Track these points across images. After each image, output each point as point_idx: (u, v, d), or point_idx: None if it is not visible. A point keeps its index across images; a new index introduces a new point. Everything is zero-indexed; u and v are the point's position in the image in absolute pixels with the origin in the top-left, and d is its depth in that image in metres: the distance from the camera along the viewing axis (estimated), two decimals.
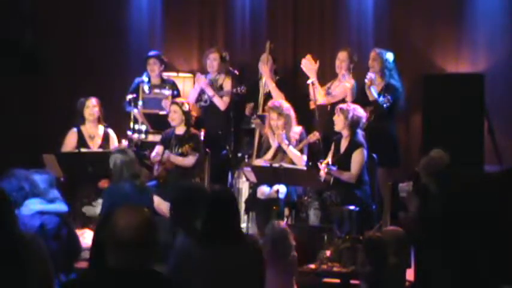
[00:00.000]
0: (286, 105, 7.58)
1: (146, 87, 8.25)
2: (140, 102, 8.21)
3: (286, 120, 7.50)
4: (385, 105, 7.62)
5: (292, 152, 7.43)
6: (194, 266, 4.20)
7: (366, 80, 7.64)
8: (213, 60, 8.41)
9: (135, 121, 8.19)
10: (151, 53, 8.53)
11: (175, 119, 7.83)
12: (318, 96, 7.83)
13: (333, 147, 7.49)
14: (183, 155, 7.68)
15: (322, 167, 7.16)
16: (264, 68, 8.20)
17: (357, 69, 8.01)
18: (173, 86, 8.39)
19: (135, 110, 8.18)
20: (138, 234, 2.93)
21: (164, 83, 8.40)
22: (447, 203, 5.60)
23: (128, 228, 2.92)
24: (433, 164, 5.87)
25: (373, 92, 7.68)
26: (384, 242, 5.27)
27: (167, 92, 8.22)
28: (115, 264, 2.94)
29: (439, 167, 5.86)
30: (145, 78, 8.38)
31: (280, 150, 7.54)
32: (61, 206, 5.97)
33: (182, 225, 4.67)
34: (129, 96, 8.18)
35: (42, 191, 5.94)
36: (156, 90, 8.26)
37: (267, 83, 8.18)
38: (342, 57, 7.98)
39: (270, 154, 7.56)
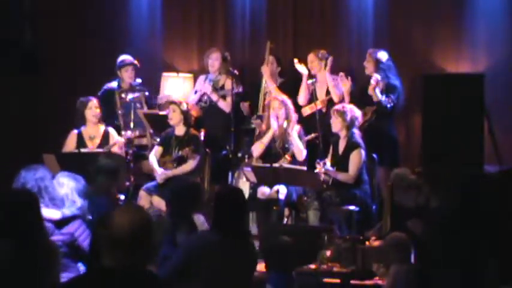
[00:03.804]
0: (286, 98, 7.65)
1: (124, 95, 8.14)
2: (120, 112, 8.13)
3: (286, 110, 7.52)
4: (388, 106, 7.62)
5: (296, 139, 7.44)
6: (212, 257, 4.34)
7: (372, 82, 7.63)
8: (214, 60, 8.41)
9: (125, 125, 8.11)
10: (129, 59, 8.41)
11: (174, 118, 7.80)
12: (319, 96, 7.88)
13: (331, 149, 7.50)
14: (183, 157, 7.67)
15: (319, 167, 7.18)
16: (265, 68, 8.20)
17: (357, 69, 8.01)
18: (143, 88, 8.30)
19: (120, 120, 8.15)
20: (132, 233, 2.88)
21: (133, 86, 8.30)
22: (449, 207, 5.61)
23: (122, 228, 2.88)
24: (404, 179, 5.97)
25: (378, 94, 7.66)
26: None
27: (139, 93, 8.15)
28: (110, 264, 2.90)
29: (409, 181, 5.97)
30: (114, 84, 8.35)
31: (281, 136, 7.54)
32: (54, 213, 5.96)
33: (180, 219, 4.80)
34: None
35: (53, 196, 5.93)
36: (129, 95, 8.14)
37: (268, 83, 8.18)
38: (309, 59, 8.04)
39: (267, 138, 7.56)
